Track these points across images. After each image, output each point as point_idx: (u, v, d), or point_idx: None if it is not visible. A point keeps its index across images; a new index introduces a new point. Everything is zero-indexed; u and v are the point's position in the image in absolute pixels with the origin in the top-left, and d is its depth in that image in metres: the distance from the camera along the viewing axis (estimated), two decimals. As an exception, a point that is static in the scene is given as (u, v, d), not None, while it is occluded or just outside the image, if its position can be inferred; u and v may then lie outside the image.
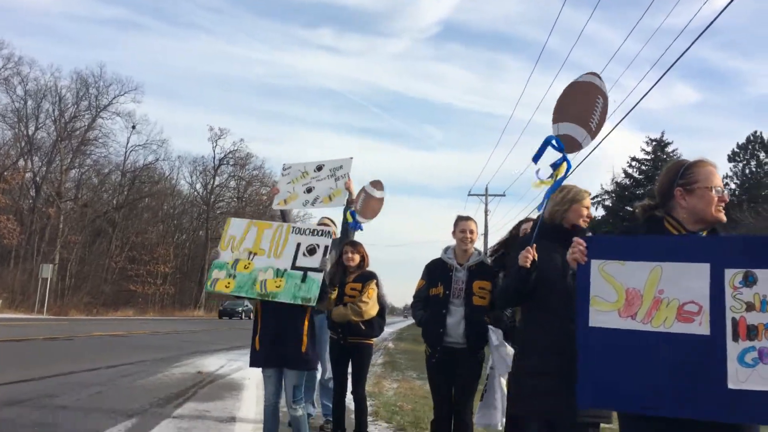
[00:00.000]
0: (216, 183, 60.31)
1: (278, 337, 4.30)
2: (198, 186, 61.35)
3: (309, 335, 4.37)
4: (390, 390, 9.86)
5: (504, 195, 38.88)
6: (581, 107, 3.92)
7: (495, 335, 4.25)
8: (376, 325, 5.32)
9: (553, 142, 3.84)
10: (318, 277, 4.22)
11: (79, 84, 46.62)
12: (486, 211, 37.10)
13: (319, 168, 5.47)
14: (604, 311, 2.42)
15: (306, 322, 4.36)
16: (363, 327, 5.18)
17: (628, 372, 2.35)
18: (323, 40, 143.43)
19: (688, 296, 2.30)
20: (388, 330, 44.39)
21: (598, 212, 42.05)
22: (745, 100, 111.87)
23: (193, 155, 67.31)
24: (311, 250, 4.34)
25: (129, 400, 7.12)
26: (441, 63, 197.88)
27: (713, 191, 2.53)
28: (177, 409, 6.84)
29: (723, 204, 2.56)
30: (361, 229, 5.97)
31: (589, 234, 2.77)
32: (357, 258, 5.28)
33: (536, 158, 3.89)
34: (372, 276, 5.30)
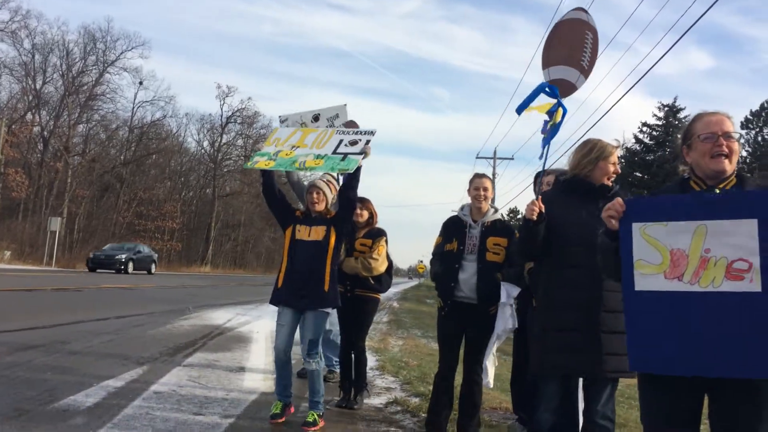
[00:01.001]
0: (223, 141, 60.21)
1: (302, 278, 4.40)
2: (205, 144, 61.33)
3: (331, 275, 4.46)
4: (395, 347, 9.97)
5: (512, 158, 38.79)
6: (570, 47, 3.78)
7: (505, 292, 4.25)
8: (384, 281, 5.35)
9: (546, 89, 3.68)
10: (357, 157, 4.34)
11: (87, 38, 46.30)
12: (494, 174, 36.98)
13: (316, 118, 5.46)
14: (650, 274, 2.37)
15: (329, 262, 4.45)
16: (371, 282, 5.21)
17: (678, 334, 2.29)
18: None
19: (737, 254, 2.23)
20: (392, 290, 44.69)
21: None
22: (760, 67, 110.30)
23: (200, 113, 67.35)
24: (353, 143, 4.47)
25: (139, 349, 7.22)
26: (451, 24, 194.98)
27: (702, 139, 2.46)
28: (187, 358, 6.94)
29: (718, 150, 2.44)
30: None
31: (625, 195, 2.70)
32: (365, 214, 5.29)
33: (521, 108, 3.74)
34: (382, 233, 5.34)
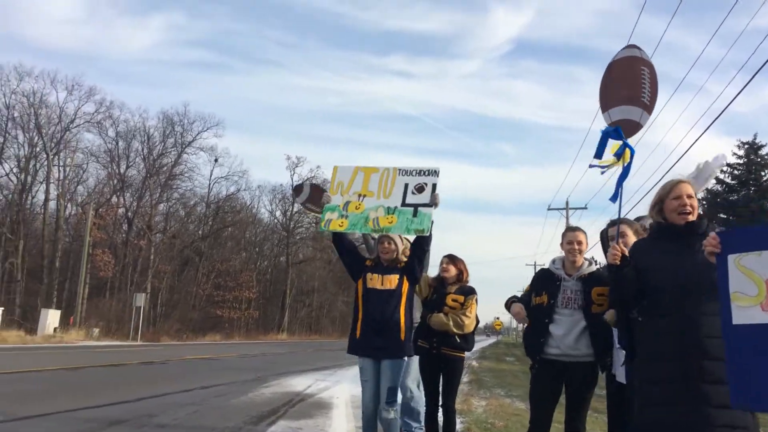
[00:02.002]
0: (295, 210, 61.60)
1: (378, 327, 4.39)
2: (278, 213, 62.98)
3: (406, 323, 4.44)
4: (479, 407, 9.63)
5: (585, 208, 37.89)
6: (627, 85, 3.65)
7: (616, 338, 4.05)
8: (470, 339, 5.24)
9: (611, 133, 3.56)
10: (429, 212, 4.30)
11: (165, 123, 49.00)
12: (567, 225, 36.17)
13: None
14: (746, 306, 2.26)
15: (403, 311, 4.44)
16: (458, 340, 5.08)
17: None
18: (395, 65, 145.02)
19: None
20: (471, 350, 43.76)
21: (688, 221, 40.15)
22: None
23: (272, 184, 69.33)
24: (419, 188, 4.43)
25: (224, 419, 7.25)
26: (514, 80, 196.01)
27: None
28: (270, 426, 6.91)
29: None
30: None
31: (722, 229, 2.56)
32: (452, 269, 5.24)
33: (598, 156, 3.64)
34: (473, 291, 5.28)
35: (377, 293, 4.45)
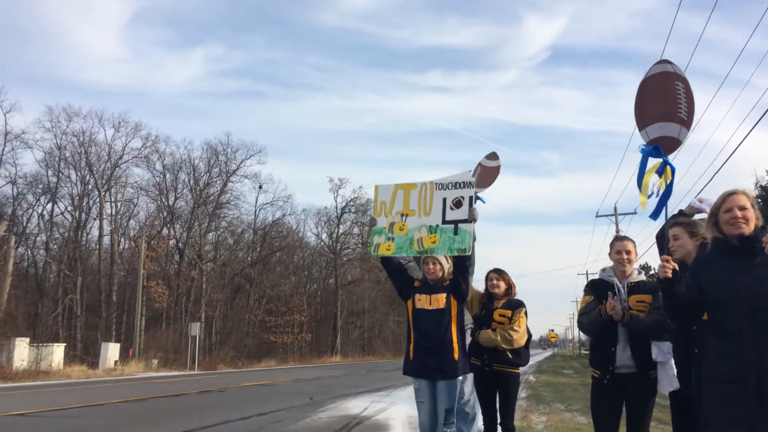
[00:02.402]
0: (340, 231, 62.11)
1: (431, 348, 4.41)
2: (324, 236, 63.49)
3: (459, 342, 4.46)
4: (539, 423, 9.45)
5: (635, 213, 36.97)
6: (662, 101, 3.57)
7: (656, 349, 3.94)
8: (523, 354, 5.15)
9: (651, 152, 3.53)
10: (469, 228, 4.40)
11: (210, 153, 50.15)
12: (617, 231, 35.42)
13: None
14: None
15: (455, 330, 4.46)
16: (510, 355, 5.01)
17: None
18: (432, 81, 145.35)
19: None
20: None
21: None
22: None
23: (316, 207, 70.06)
24: (457, 203, 4.50)
25: (282, 445, 7.27)
26: (553, 88, 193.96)
27: None
28: (329, 451, 6.91)
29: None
30: (483, 201, 5.69)
31: None
32: (502, 285, 5.20)
33: (640, 177, 3.60)
34: (521, 304, 5.21)
35: (427, 313, 4.49)
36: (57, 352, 27.80)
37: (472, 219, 4.42)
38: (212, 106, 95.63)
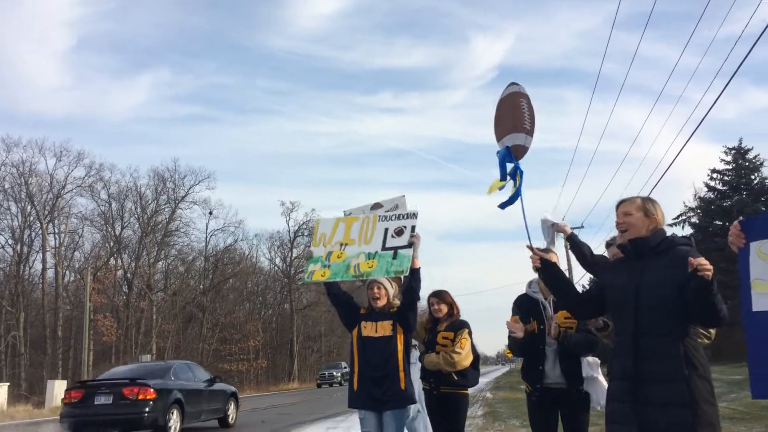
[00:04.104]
0: (294, 255, 61.54)
1: (376, 377, 4.34)
2: (277, 260, 62.80)
3: (405, 371, 4.38)
4: (494, 441, 9.49)
5: (582, 227, 37.89)
6: (512, 116, 4.13)
7: (586, 365, 4.06)
8: (470, 375, 5.15)
9: (505, 158, 4.05)
10: (408, 253, 4.32)
11: (157, 180, 49.24)
12: (566, 246, 36.09)
13: (377, 206, 5.44)
14: (766, 293, 2.28)
15: (401, 358, 4.38)
16: (455, 377, 5.02)
17: None
18: (384, 102, 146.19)
19: None
20: (483, 380, 43.19)
21: (685, 230, 40.19)
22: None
23: (269, 231, 69.45)
24: (399, 232, 4.46)
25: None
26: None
27: None
28: (282, 482, 6.79)
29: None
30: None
31: (741, 218, 2.59)
32: (444, 307, 5.17)
33: (502, 175, 4.12)
34: (464, 325, 5.17)
35: (372, 342, 4.41)
36: (0, 393, 26.61)
37: (410, 244, 4.38)
38: (160, 133, 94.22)
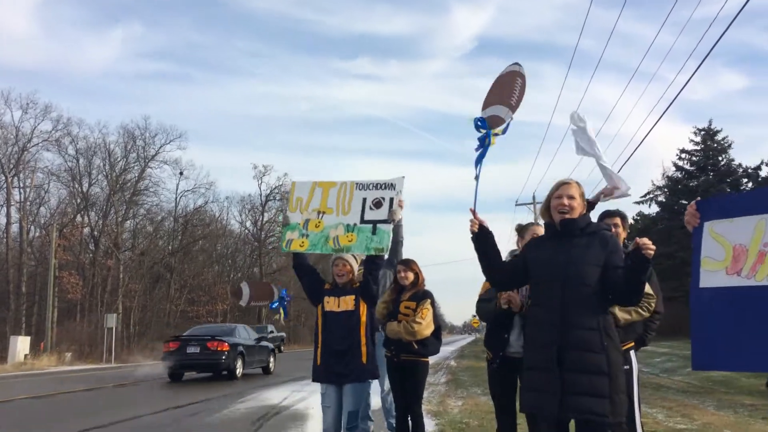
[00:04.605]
0: (265, 219, 61.26)
1: (338, 351, 4.40)
2: (248, 224, 62.40)
3: (368, 345, 4.45)
4: (455, 408, 9.70)
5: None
6: (502, 92, 4.24)
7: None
8: (430, 344, 5.22)
9: (478, 122, 4.13)
10: (388, 229, 4.36)
11: (127, 137, 48.25)
12: (536, 219, 36.59)
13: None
14: (713, 270, 2.38)
15: (363, 332, 4.45)
16: (416, 346, 5.09)
17: (737, 330, 2.27)
18: (362, 69, 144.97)
19: None
20: (449, 348, 43.90)
21: (652, 209, 40.93)
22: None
23: (240, 194, 68.79)
24: (377, 203, 4.45)
25: (196, 439, 7.17)
26: (479, 78, 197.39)
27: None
28: (243, 443, 6.86)
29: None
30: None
31: (698, 198, 2.67)
32: (411, 275, 5.20)
33: (481, 143, 4.19)
34: (427, 295, 5.21)
35: (335, 316, 4.44)
36: (-40, 348, 26.30)
37: (391, 220, 4.38)
38: (131, 89, 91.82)
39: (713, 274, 2.34)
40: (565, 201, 3.28)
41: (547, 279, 3.20)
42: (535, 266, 3.30)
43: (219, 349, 16.45)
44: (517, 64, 4.34)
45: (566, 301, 3.08)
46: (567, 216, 3.26)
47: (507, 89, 4.22)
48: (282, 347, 40.55)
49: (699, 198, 2.60)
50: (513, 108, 4.17)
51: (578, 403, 2.99)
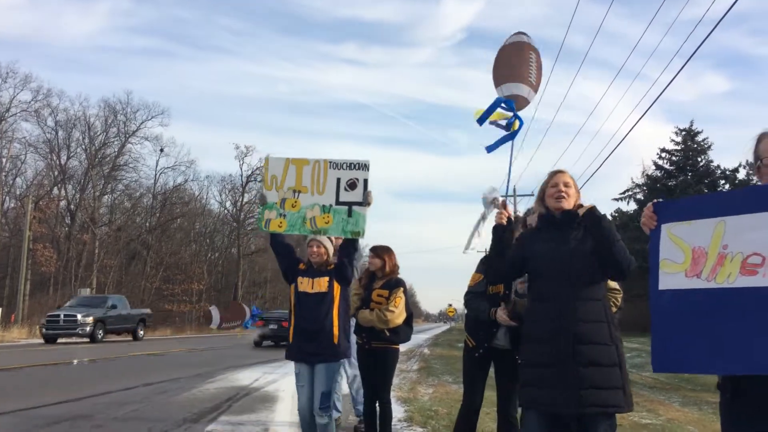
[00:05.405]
0: (245, 200, 60.87)
1: (310, 332, 4.42)
2: (228, 204, 61.99)
3: (340, 326, 4.47)
4: (425, 395, 9.75)
5: (532, 194, 38.32)
6: (516, 65, 4.10)
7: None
8: (401, 331, 5.22)
9: (503, 103, 3.97)
10: (363, 211, 4.39)
11: (108, 111, 47.57)
12: (515, 212, 36.71)
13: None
14: (672, 273, 2.39)
15: (336, 314, 4.46)
16: (387, 333, 5.09)
17: (697, 333, 2.28)
18: (347, 53, 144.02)
19: (752, 248, 2.19)
20: (423, 336, 44.17)
21: (630, 206, 41.34)
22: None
23: (221, 174, 68.19)
24: (352, 185, 4.46)
25: (163, 417, 7.14)
26: (466, 69, 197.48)
27: (766, 164, 2.42)
28: (210, 423, 6.84)
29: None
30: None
31: (658, 200, 2.68)
32: (377, 262, 5.20)
33: (482, 120, 4.06)
34: (400, 283, 5.22)
35: (308, 297, 4.46)
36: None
37: (366, 202, 4.40)
38: (113, 63, 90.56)
39: (673, 276, 2.37)
40: (562, 187, 3.28)
41: (552, 274, 3.17)
42: (536, 262, 3.26)
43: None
44: (523, 33, 4.21)
45: (574, 294, 3.08)
46: (564, 202, 3.25)
47: (523, 65, 4.09)
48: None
49: (655, 200, 2.62)
50: (534, 88, 4.06)
51: (596, 397, 2.97)
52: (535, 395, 3.13)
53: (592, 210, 3.17)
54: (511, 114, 3.93)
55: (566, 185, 3.28)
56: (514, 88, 4.02)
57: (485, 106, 4.18)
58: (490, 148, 4.01)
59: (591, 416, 3.03)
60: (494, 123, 4.04)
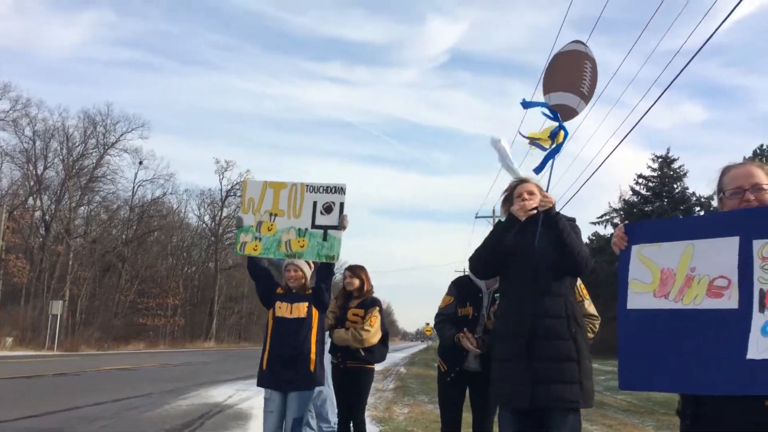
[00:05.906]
0: (224, 215, 60.45)
1: (287, 358, 4.34)
2: (206, 218, 61.52)
3: (317, 353, 4.41)
4: (401, 415, 9.70)
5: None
6: (570, 75, 4.02)
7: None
8: (377, 351, 5.19)
9: (547, 112, 3.89)
10: (338, 235, 4.37)
11: (87, 122, 47.03)
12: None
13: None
14: (641, 293, 2.44)
15: (314, 340, 4.41)
16: (362, 353, 5.06)
17: (664, 352, 2.33)
18: (332, 72, 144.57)
19: (718, 271, 2.25)
20: (400, 355, 44.04)
21: (607, 230, 41.79)
22: (752, 116, 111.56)
23: (200, 188, 67.72)
24: (328, 208, 4.45)
25: (134, 433, 7.02)
26: (450, 90, 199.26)
27: (728, 195, 2.44)
28: (182, 440, 6.74)
29: (746, 206, 2.49)
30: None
31: (626, 222, 2.73)
32: (356, 282, 5.19)
33: (527, 105, 3.98)
34: (375, 303, 5.21)
35: (286, 322, 4.40)
36: None
37: (341, 226, 4.37)
38: (95, 75, 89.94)
39: (641, 296, 2.43)
40: (526, 196, 3.35)
41: (517, 271, 3.24)
42: (510, 255, 3.31)
43: None
44: (581, 42, 4.14)
45: (536, 290, 3.14)
46: (529, 212, 3.30)
47: (575, 74, 3.97)
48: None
49: (626, 221, 2.69)
50: (585, 99, 4.00)
51: (549, 392, 3.00)
52: (498, 391, 3.20)
53: (549, 211, 3.27)
54: (556, 124, 3.86)
55: (530, 193, 3.37)
56: (562, 97, 3.97)
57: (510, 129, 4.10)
58: (537, 170, 3.90)
59: (549, 412, 3.06)
60: (535, 144, 3.92)
